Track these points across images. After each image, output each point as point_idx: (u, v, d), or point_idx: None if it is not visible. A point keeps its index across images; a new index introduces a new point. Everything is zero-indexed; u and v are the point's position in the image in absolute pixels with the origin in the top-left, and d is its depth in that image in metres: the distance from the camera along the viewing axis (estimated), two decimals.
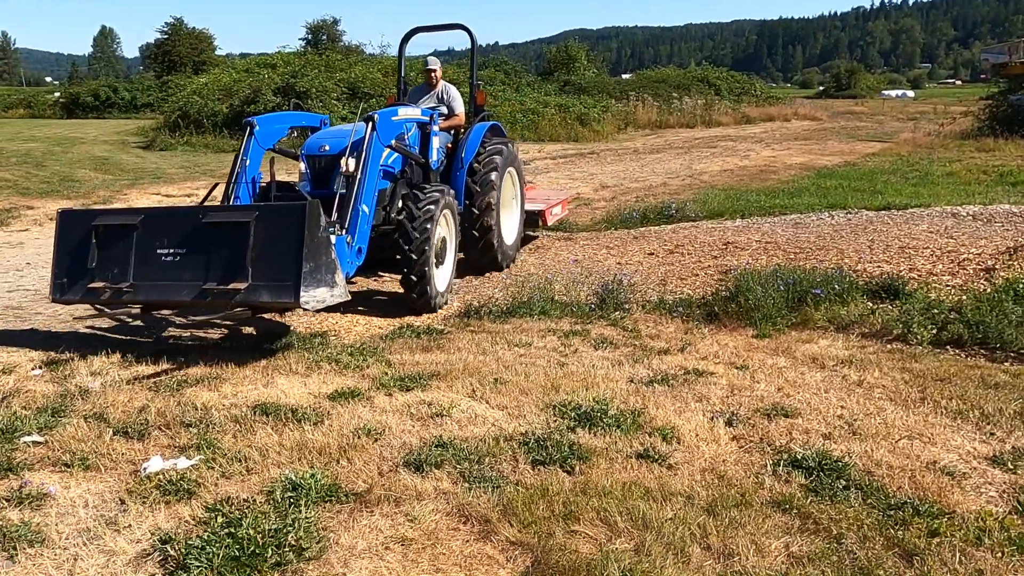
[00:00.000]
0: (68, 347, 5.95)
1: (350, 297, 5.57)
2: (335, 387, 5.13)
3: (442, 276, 7.52)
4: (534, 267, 9.17)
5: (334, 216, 6.15)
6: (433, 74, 8.95)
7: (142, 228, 5.66)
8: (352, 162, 6.54)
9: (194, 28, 50.96)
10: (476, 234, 8.46)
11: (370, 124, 6.60)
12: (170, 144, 23.47)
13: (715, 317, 7.18)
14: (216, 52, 49.92)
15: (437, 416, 4.67)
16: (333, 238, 5.65)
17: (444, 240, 7.48)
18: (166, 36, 49.73)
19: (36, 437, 4.22)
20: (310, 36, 45.20)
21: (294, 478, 3.75)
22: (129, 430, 4.34)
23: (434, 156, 8.07)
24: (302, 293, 5.00)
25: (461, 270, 8.71)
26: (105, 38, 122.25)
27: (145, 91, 34.45)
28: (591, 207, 14.25)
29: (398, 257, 6.97)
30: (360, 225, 6.28)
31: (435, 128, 7.99)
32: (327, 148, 7.17)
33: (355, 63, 30.25)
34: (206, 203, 6.71)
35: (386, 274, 8.87)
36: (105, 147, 19.55)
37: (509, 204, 9.37)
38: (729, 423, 4.65)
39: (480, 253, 8.68)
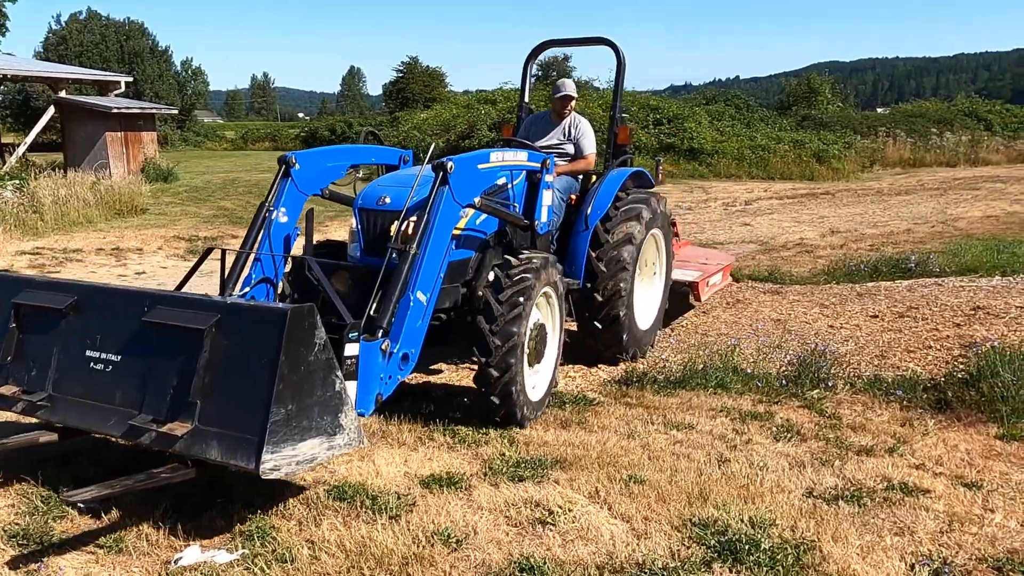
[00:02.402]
0: None
1: (366, 444, 3.82)
2: (437, 468, 4.36)
3: (537, 380, 5.37)
4: (725, 325, 7.94)
5: (373, 305, 4.34)
6: (569, 104, 6.72)
7: (73, 315, 3.98)
8: (411, 229, 4.66)
9: (427, 66, 53.56)
10: (599, 325, 6.43)
11: (439, 176, 4.65)
12: None
13: (946, 406, 5.66)
14: (447, 89, 51.98)
15: (540, 523, 3.74)
16: (353, 348, 4.01)
17: (542, 329, 5.34)
18: (401, 74, 52.72)
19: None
20: (540, 72, 45.83)
21: None
22: (188, 504, 3.81)
23: (543, 216, 5.88)
24: (267, 453, 3.21)
25: (574, 354, 6.65)
26: (353, 77, 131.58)
27: (377, 126, 36.35)
28: (813, 255, 12.61)
29: (474, 349, 4.91)
30: (409, 322, 4.42)
31: (547, 178, 5.86)
32: (387, 200, 5.16)
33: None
34: (189, 278, 4.83)
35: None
36: None
37: (649, 276, 7.21)
38: None
39: (603, 345, 6.63)
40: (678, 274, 7.85)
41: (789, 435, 5.10)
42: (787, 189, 23.34)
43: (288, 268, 5.35)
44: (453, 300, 5.24)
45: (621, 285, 6.29)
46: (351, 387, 3.87)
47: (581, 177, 6.84)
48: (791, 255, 12.72)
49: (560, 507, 3.87)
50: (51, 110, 19.71)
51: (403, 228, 4.79)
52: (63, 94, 19.55)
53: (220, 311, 3.54)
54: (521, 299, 4.90)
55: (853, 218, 17.15)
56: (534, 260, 5.15)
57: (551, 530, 3.67)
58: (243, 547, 3.45)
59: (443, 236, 4.69)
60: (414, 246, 4.46)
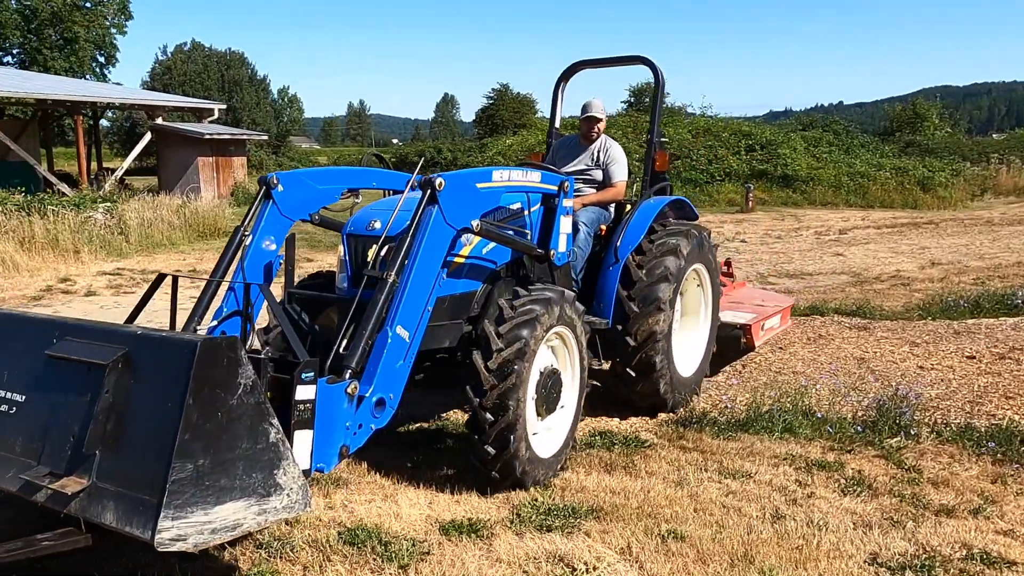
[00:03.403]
0: None
1: (312, 507, 3.19)
2: (462, 512, 4.08)
3: (548, 433, 4.75)
4: (802, 363, 7.39)
5: (342, 342, 3.79)
6: (596, 126, 6.10)
7: None
8: (400, 254, 3.99)
9: (518, 92, 53.92)
10: (632, 372, 5.72)
11: (426, 194, 4.09)
12: None
13: None
14: (537, 115, 52.05)
15: None
16: (307, 391, 3.36)
17: (555, 375, 4.70)
18: (492, 101, 53.25)
19: None
20: (632, 99, 45.50)
21: None
22: None
23: (561, 244, 5.20)
24: (167, 520, 2.67)
25: (602, 403, 6.03)
26: (446, 104, 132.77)
27: (465, 152, 36.59)
28: (909, 288, 11.81)
29: (468, 389, 4.30)
30: (387, 361, 3.80)
31: (565, 203, 5.22)
32: (376, 225, 4.57)
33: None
34: (141, 310, 4.11)
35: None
36: None
37: (693, 317, 6.50)
38: None
39: (639, 396, 5.92)
40: (730, 316, 7.13)
41: (859, 489, 4.60)
42: (887, 218, 22.22)
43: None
44: (454, 338, 4.70)
45: (656, 328, 5.57)
46: (304, 437, 3.41)
47: (613, 207, 6.26)
48: (885, 288, 11.97)
49: (586, 564, 3.53)
50: (148, 136, 20.56)
51: (382, 253, 4.28)
52: (160, 121, 20.37)
53: (128, 343, 3.02)
54: (524, 332, 4.28)
55: (957, 249, 16.11)
56: (546, 292, 4.58)
57: None
58: None
59: (431, 263, 4.10)
60: (392, 274, 3.87)
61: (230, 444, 2.85)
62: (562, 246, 5.23)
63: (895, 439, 5.47)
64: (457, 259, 4.63)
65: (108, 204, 14.63)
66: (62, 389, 3.15)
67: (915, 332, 8.49)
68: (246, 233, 4.64)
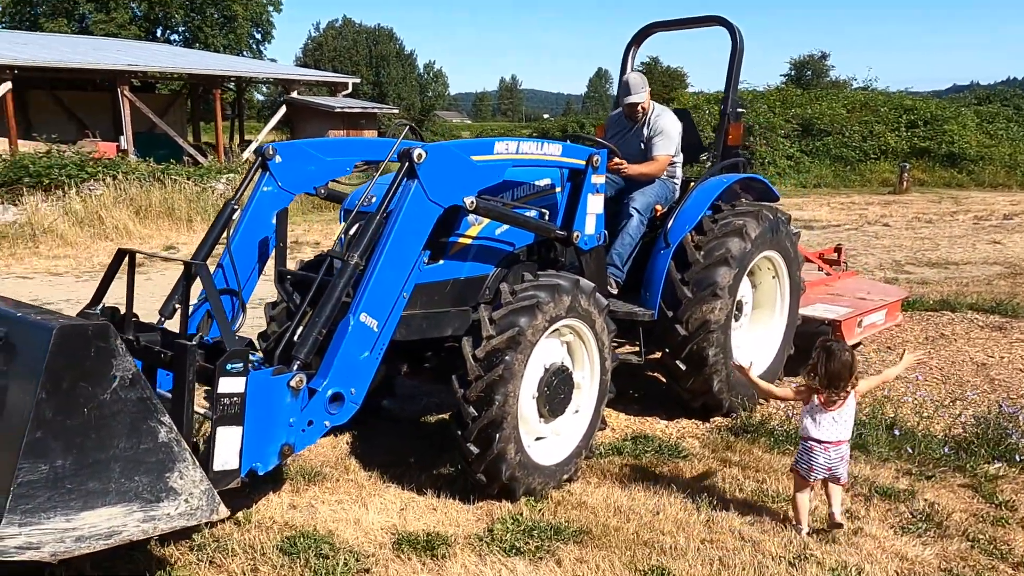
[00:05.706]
0: None
1: (222, 513, 2.84)
2: (430, 523, 3.64)
3: (556, 437, 4.24)
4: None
5: (298, 329, 3.45)
6: (635, 110, 5.42)
7: None
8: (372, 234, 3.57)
9: (667, 66, 51.85)
10: (681, 365, 5.07)
11: (404, 166, 3.63)
12: None
13: None
14: (687, 90, 50.11)
15: None
16: (233, 384, 3.00)
17: (564, 373, 4.13)
18: None
19: None
20: (793, 72, 43.00)
21: None
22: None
23: (589, 226, 4.59)
24: (12, 525, 2.41)
25: (649, 402, 5.53)
26: (600, 79, 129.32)
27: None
28: None
29: (454, 379, 3.85)
30: (347, 352, 3.42)
31: (594, 179, 4.58)
32: (373, 200, 4.01)
33: (817, 98, 27.42)
34: (106, 289, 3.60)
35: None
36: None
37: (767, 311, 5.75)
38: None
39: (688, 393, 5.22)
40: (820, 310, 6.26)
41: (923, 527, 3.79)
42: None
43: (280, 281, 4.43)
44: (460, 326, 4.22)
45: (711, 316, 4.91)
46: (230, 435, 2.99)
47: (678, 186, 5.58)
48: None
49: None
50: (283, 110, 21.18)
51: (350, 232, 3.86)
52: (295, 95, 20.92)
53: (9, 325, 2.73)
54: (521, 320, 3.76)
55: None
56: (556, 280, 4.02)
57: None
58: None
59: (408, 244, 3.62)
60: (355, 256, 3.47)
61: (102, 444, 2.57)
62: (589, 228, 4.62)
63: (994, 465, 4.56)
64: (462, 240, 4.25)
65: (231, 175, 15.07)
66: None
67: None
68: (234, 207, 4.27)
